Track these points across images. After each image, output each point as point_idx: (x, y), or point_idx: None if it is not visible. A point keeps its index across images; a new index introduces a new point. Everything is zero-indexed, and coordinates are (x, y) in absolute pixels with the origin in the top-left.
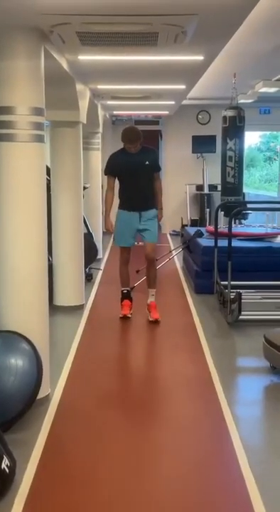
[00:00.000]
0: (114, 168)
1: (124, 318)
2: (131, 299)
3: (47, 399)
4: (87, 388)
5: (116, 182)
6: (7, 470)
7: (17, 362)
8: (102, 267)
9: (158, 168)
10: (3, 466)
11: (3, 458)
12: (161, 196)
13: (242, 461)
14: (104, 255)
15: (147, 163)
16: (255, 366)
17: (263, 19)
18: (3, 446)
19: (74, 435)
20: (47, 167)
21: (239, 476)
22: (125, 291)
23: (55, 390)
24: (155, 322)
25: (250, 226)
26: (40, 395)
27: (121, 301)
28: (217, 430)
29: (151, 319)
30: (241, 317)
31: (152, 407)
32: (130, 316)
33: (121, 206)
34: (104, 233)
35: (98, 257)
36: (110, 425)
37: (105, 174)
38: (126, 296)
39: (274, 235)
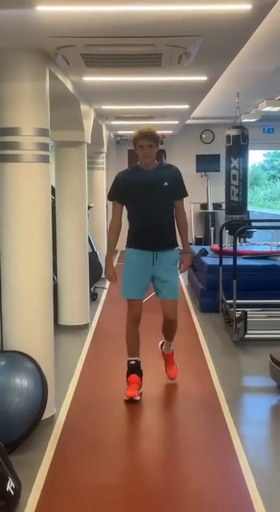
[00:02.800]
0: (120, 191)
1: (131, 402)
2: (140, 374)
3: (52, 419)
4: (92, 408)
5: (125, 210)
6: (12, 492)
7: (22, 382)
8: (107, 286)
9: (182, 193)
10: (9, 487)
11: (8, 480)
12: (186, 234)
13: (249, 481)
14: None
15: (166, 184)
16: (261, 385)
17: (265, 40)
18: (8, 467)
19: (80, 456)
20: (52, 186)
21: (246, 497)
22: (133, 362)
23: (60, 410)
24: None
25: (255, 244)
26: (46, 415)
27: (127, 376)
28: (224, 450)
29: (167, 376)
30: (246, 336)
31: (158, 427)
32: (138, 398)
33: (130, 243)
34: None
35: (103, 276)
36: (115, 446)
37: (109, 199)
38: (134, 369)
39: (279, 253)
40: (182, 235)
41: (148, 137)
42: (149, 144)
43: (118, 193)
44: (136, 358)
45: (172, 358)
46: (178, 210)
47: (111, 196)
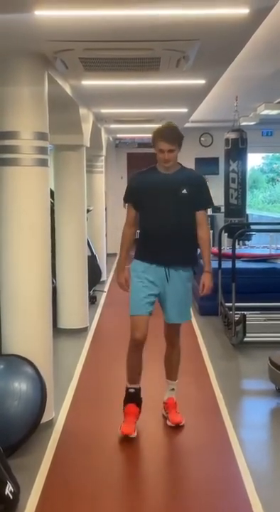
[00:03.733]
0: (133, 193)
1: (126, 440)
2: (139, 402)
3: (51, 423)
4: (91, 412)
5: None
6: (11, 496)
7: (21, 386)
8: (106, 289)
9: (204, 203)
10: (7, 491)
11: (6, 483)
12: (208, 250)
13: (248, 485)
14: (108, 277)
15: (184, 191)
16: (260, 389)
17: (263, 43)
18: (7, 471)
19: (78, 460)
20: (51, 190)
21: (246, 501)
22: (132, 391)
23: (59, 414)
24: (177, 427)
25: (254, 247)
26: (44, 419)
27: (124, 405)
28: (223, 454)
29: (170, 424)
30: (246, 339)
31: (156, 430)
32: (135, 435)
33: (139, 255)
34: (107, 255)
35: (102, 279)
36: (114, 449)
37: (124, 201)
38: (132, 397)
39: (278, 256)
40: (203, 251)
41: (168, 139)
42: (170, 149)
43: (131, 195)
44: (136, 386)
45: (175, 405)
46: (198, 222)
47: (125, 198)
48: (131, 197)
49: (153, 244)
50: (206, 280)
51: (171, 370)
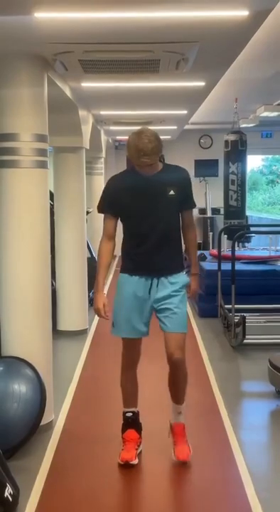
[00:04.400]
0: (113, 200)
1: (126, 467)
2: (139, 428)
3: (50, 425)
4: (91, 414)
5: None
6: (10, 498)
7: (20, 388)
8: (106, 291)
9: (190, 204)
10: (7, 494)
11: (6, 486)
12: (196, 251)
13: (248, 487)
14: (107, 280)
15: (172, 192)
16: (260, 391)
17: (263, 46)
18: (6, 473)
19: (78, 462)
20: (50, 192)
21: (246, 503)
22: (129, 415)
23: (58, 416)
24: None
25: (253, 249)
26: (44, 421)
27: (123, 432)
28: (223, 456)
29: (174, 458)
30: (245, 341)
31: (156, 432)
32: (136, 461)
33: (125, 268)
34: None
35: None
36: (113, 452)
37: (99, 211)
38: (131, 423)
39: (278, 258)
40: (191, 253)
41: (148, 155)
42: (150, 164)
43: (109, 203)
44: (134, 409)
45: (183, 432)
46: (186, 223)
47: (101, 207)
48: (110, 206)
49: (143, 254)
50: (193, 282)
51: (177, 394)
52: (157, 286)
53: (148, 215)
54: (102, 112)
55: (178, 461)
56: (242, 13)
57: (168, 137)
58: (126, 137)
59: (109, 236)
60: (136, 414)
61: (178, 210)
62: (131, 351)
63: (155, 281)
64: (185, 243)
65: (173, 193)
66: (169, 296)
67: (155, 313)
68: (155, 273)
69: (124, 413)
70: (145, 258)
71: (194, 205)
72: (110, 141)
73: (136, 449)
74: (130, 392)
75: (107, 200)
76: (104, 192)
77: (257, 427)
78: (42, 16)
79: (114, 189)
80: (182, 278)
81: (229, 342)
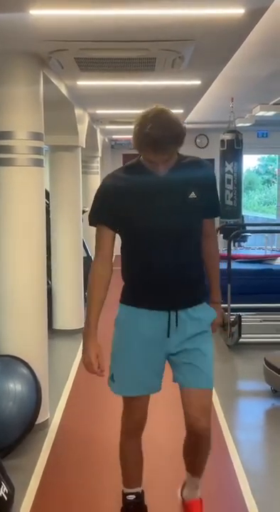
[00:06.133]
0: (112, 208)
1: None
2: None
3: (46, 424)
4: (87, 413)
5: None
6: (5, 497)
7: (16, 387)
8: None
9: (215, 210)
10: (1, 493)
11: (1, 485)
12: (218, 271)
13: (244, 486)
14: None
15: (193, 195)
16: (256, 389)
17: (259, 45)
18: (1, 472)
19: (74, 461)
20: (46, 191)
21: (241, 502)
22: (131, 498)
23: (54, 414)
24: None
25: (249, 249)
26: (39, 419)
27: None
28: (219, 455)
29: None
30: (241, 340)
31: (151, 430)
32: None
33: (129, 297)
34: None
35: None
36: (110, 450)
37: (91, 223)
38: (133, 510)
39: (273, 257)
40: (211, 273)
41: (165, 148)
42: (165, 160)
43: (107, 211)
44: (138, 490)
45: (201, 507)
46: (205, 234)
47: (94, 218)
48: (108, 215)
49: (152, 279)
50: (218, 314)
51: (196, 466)
52: (174, 325)
53: (163, 226)
54: (98, 111)
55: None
56: (238, 11)
57: None
58: (123, 136)
59: (106, 256)
60: (139, 496)
61: (200, 218)
62: (137, 413)
63: (172, 316)
64: (206, 261)
65: (194, 196)
66: (191, 337)
67: (168, 361)
68: (173, 305)
69: (125, 495)
70: (159, 285)
71: (219, 212)
72: (106, 140)
73: None
74: (133, 467)
75: (103, 207)
76: (97, 196)
77: (253, 426)
78: (38, 13)
79: (113, 192)
80: (207, 311)
81: (224, 341)
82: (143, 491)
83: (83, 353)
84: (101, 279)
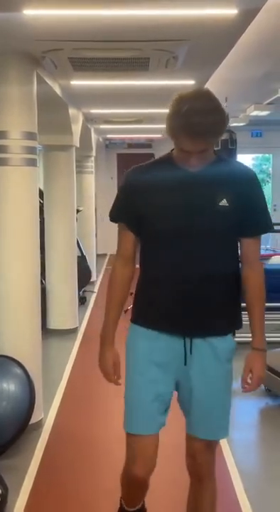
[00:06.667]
0: (136, 204)
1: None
2: None
3: (40, 424)
4: (80, 413)
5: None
6: None
7: (9, 387)
8: (96, 289)
9: (262, 225)
10: None
11: None
12: (262, 309)
13: (237, 485)
14: (97, 278)
15: (224, 202)
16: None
17: (253, 45)
18: None
19: (68, 461)
20: (40, 190)
21: (234, 501)
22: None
23: (48, 414)
24: None
25: None
26: (33, 419)
27: None
28: None
29: None
30: (235, 339)
31: None
32: None
33: (142, 316)
34: (97, 256)
35: (92, 279)
36: (104, 451)
37: (112, 219)
38: None
39: (267, 257)
40: (252, 309)
41: (204, 134)
42: (202, 150)
43: (127, 208)
44: (138, 507)
45: None
46: (245, 258)
47: (115, 213)
48: (128, 211)
49: (167, 297)
50: (256, 364)
51: None
52: (189, 351)
53: (182, 234)
54: (92, 111)
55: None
56: (231, 11)
57: (159, 136)
58: (117, 136)
59: (127, 257)
60: (141, 510)
61: (233, 232)
62: (142, 461)
63: (185, 342)
64: (247, 293)
65: (225, 203)
66: (206, 376)
67: (178, 394)
68: (184, 330)
69: (124, 510)
70: (170, 305)
71: (265, 229)
72: (100, 139)
73: None
74: (136, 493)
75: (124, 205)
76: (120, 192)
77: (246, 425)
78: (32, 13)
79: (135, 186)
80: (228, 344)
81: None
82: (144, 508)
83: (99, 360)
84: (122, 279)
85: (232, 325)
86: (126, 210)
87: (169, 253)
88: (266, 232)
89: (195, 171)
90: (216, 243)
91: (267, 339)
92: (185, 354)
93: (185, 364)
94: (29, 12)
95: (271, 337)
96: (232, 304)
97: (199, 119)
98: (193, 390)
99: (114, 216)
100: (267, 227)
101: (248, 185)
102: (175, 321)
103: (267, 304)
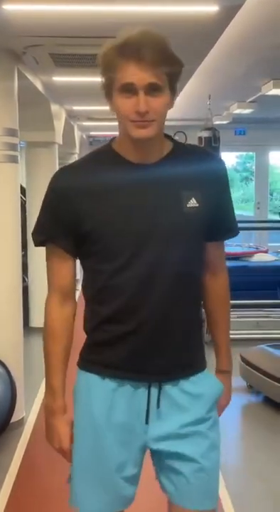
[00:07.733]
0: (70, 220)
1: None
2: None
3: (21, 422)
4: None
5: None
6: None
7: None
8: (79, 287)
9: (229, 227)
10: None
11: None
12: (228, 324)
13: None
14: (81, 276)
15: (193, 202)
16: (232, 385)
17: (235, 42)
18: None
19: (49, 459)
20: (22, 187)
21: None
22: None
23: (29, 413)
24: None
25: (227, 245)
26: (14, 418)
27: None
28: None
29: None
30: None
31: None
32: None
33: (91, 360)
34: None
35: (76, 277)
36: None
37: (37, 243)
38: None
39: (250, 254)
40: (221, 329)
41: (152, 58)
42: (152, 83)
43: (60, 226)
44: None
45: None
46: (212, 263)
47: (42, 235)
48: (63, 229)
49: (132, 332)
50: (226, 386)
51: None
52: (157, 403)
53: (145, 249)
54: (75, 107)
55: None
56: (212, 8)
57: None
58: (101, 133)
59: (65, 291)
60: None
61: (200, 238)
62: None
63: (154, 392)
64: (208, 305)
65: (194, 204)
66: (183, 430)
67: (151, 456)
68: (159, 375)
69: None
70: (137, 342)
71: (235, 231)
72: (84, 137)
73: None
74: None
75: (58, 217)
76: (48, 202)
77: (228, 421)
78: (12, 8)
79: (67, 195)
80: (209, 382)
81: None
82: None
83: (51, 438)
84: (61, 324)
85: (202, 361)
86: (58, 228)
87: (124, 276)
88: (235, 233)
89: (150, 163)
90: (184, 257)
91: (249, 335)
92: (148, 410)
93: (146, 421)
94: (9, 7)
95: (253, 334)
96: (200, 332)
97: (146, 41)
98: (172, 451)
99: (41, 238)
100: (235, 229)
101: (220, 178)
102: (139, 363)
103: (248, 302)
